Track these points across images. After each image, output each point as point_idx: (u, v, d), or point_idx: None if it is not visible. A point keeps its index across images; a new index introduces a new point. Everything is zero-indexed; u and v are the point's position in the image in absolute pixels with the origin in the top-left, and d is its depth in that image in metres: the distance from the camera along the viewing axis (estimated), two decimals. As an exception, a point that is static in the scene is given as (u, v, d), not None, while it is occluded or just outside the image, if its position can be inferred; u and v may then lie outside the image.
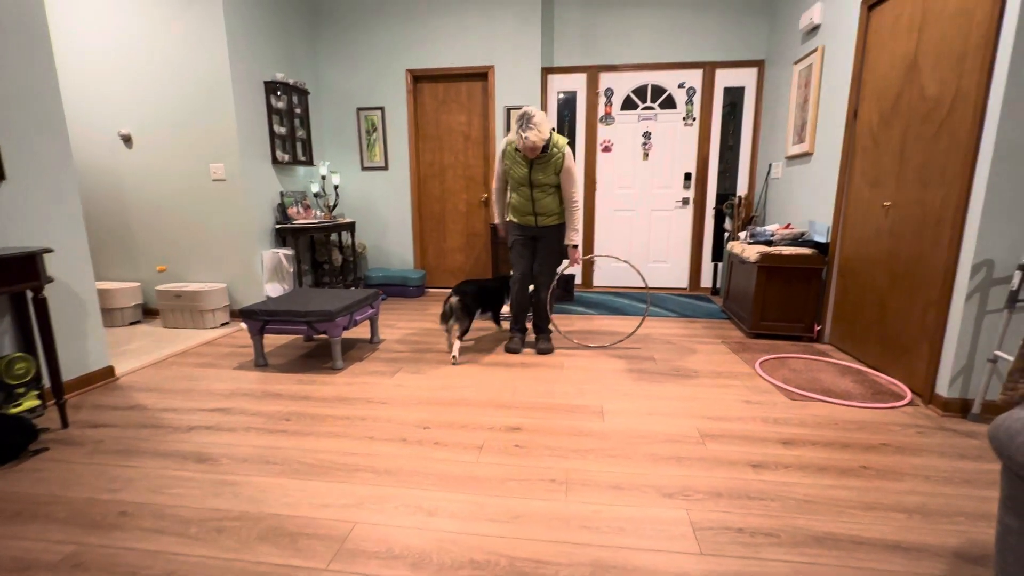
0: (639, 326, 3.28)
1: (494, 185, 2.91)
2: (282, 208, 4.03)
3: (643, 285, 4.92)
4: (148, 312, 3.97)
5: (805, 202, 3.51)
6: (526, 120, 2.59)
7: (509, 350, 3.05)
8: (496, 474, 1.75)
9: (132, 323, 3.79)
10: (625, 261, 3.14)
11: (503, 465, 1.80)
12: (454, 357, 2.81)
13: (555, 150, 2.74)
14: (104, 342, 2.63)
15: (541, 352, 3.00)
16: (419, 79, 4.64)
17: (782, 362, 2.83)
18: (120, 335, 3.49)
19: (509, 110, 4.50)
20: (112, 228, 3.87)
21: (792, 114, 3.71)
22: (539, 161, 2.75)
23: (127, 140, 3.68)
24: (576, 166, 2.82)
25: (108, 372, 2.65)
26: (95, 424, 2.15)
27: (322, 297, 2.99)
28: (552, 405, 2.29)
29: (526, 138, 2.59)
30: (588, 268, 4.94)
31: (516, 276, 2.99)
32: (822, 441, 1.94)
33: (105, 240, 3.90)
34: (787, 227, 3.46)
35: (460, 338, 2.87)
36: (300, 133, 4.20)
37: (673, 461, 1.81)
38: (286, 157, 4.04)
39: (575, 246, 2.88)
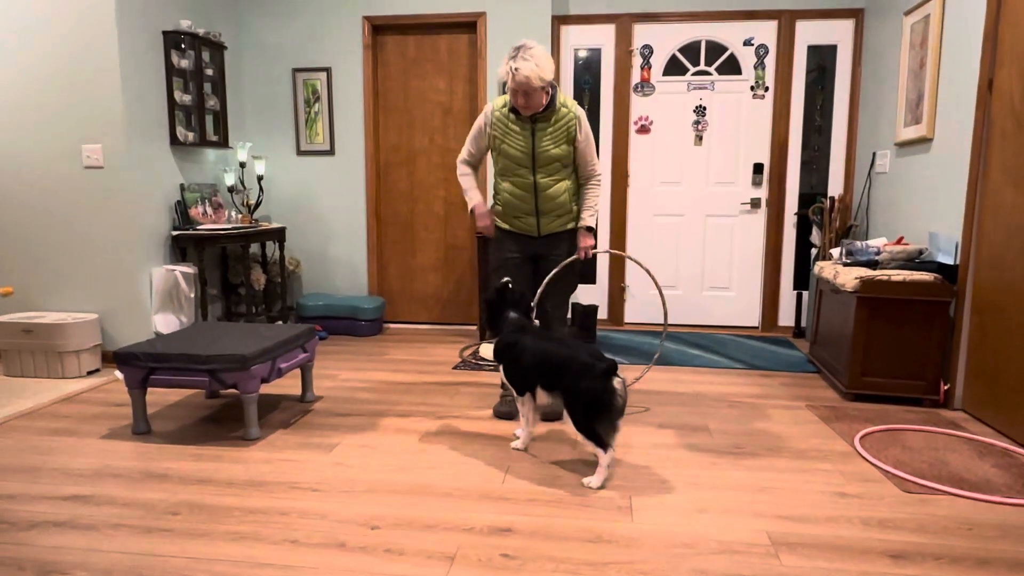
0: (646, 371, 3.23)
1: (461, 158, 2.97)
2: (182, 207, 4.08)
3: (692, 323, 4.93)
4: (-15, 353, 3.98)
5: (923, 206, 3.54)
6: (521, 50, 2.60)
7: (500, 415, 3.05)
8: (473, 598, 1.73)
9: (-39, 369, 3.79)
10: (635, 261, 3.11)
11: (484, 585, 1.77)
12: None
13: (565, 110, 2.78)
14: (-83, 397, 2.62)
15: (546, 418, 2.99)
16: (380, 29, 4.75)
17: (893, 437, 2.81)
18: (-58, 386, 3.49)
19: (506, 74, 4.59)
20: (-60, 233, 3.91)
21: (903, 85, 3.78)
22: (543, 123, 2.77)
23: (-33, 110, 3.76)
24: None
25: (-80, 440, 2.63)
26: None
27: (234, 335, 3.00)
28: (558, 497, 2.27)
29: (517, 70, 2.56)
30: (617, 300, 4.96)
31: None
32: (949, 554, 1.92)
33: (-71, 250, 3.94)
34: (898, 242, 3.48)
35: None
36: (212, 103, 4.29)
37: (732, 581, 1.79)
38: (190, 136, 4.12)
39: (589, 228, 2.90)
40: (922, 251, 3.32)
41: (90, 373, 3.72)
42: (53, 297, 3.87)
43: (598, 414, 2.27)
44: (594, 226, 2.93)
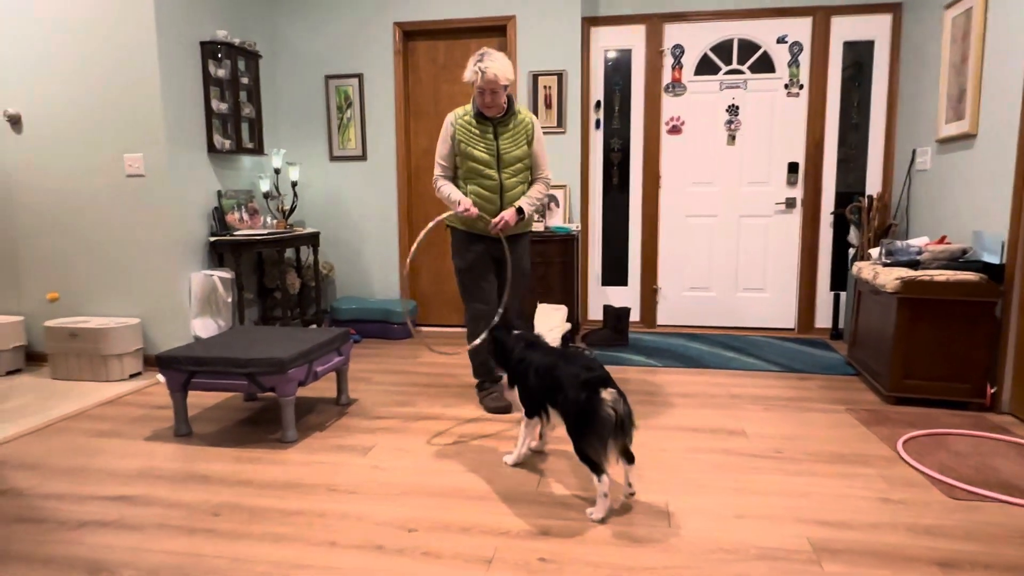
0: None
1: (437, 174, 3.11)
2: (219, 214, 4.16)
3: (727, 325, 4.87)
4: (33, 357, 4.10)
5: (967, 204, 3.47)
6: (485, 55, 2.90)
7: (494, 409, 3.18)
8: (511, 602, 1.73)
9: (11, 372, 3.92)
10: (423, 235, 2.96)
11: (522, 588, 1.78)
12: (632, 492, 2.26)
13: (521, 115, 3.10)
14: (-29, 399, 2.72)
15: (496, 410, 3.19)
16: (411, 36, 4.79)
17: (938, 441, 2.75)
18: (-7, 389, 3.61)
19: (536, 76, 4.61)
20: (-10, 241, 4.05)
21: (944, 80, 3.70)
22: (503, 127, 3.04)
23: (15, 121, 3.89)
24: None
25: (-26, 442, 2.73)
26: (-47, 515, 2.21)
27: (271, 339, 3.05)
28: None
29: (485, 69, 2.83)
30: (650, 301, 4.93)
31: (477, 310, 3.13)
32: (1000, 563, 1.87)
33: (-20, 257, 4.08)
34: (941, 241, 3.41)
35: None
36: (247, 111, 4.37)
37: (773, 588, 1.76)
38: (227, 144, 4.20)
39: (520, 210, 3.01)
40: (966, 250, 3.23)
41: (132, 376, 3.82)
42: (97, 302, 3.98)
43: (584, 430, 2.08)
44: (525, 212, 3.04)
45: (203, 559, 1.93)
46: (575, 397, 2.10)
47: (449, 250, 3.23)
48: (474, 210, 2.94)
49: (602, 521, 2.11)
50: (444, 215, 3.01)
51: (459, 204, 2.96)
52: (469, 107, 3.06)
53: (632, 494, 2.24)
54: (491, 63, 2.85)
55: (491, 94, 2.90)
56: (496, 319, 2.94)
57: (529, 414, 2.49)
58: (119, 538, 2.05)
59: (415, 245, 3.05)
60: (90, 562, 1.92)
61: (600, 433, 2.05)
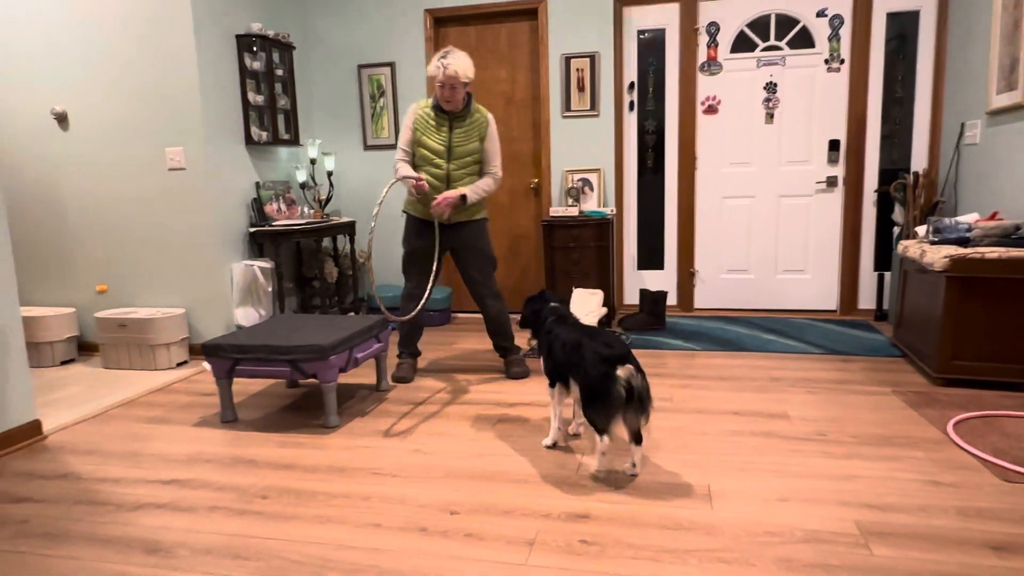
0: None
1: (397, 158, 3.34)
2: (258, 204, 4.24)
3: (766, 307, 4.80)
4: (85, 347, 4.25)
5: (1020, 178, 3.36)
6: (449, 53, 3.12)
7: (397, 379, 3.48)
8: (554, 583, 1.74)
9: (64, 362, 4.07)
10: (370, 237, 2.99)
11: (563, 570, 1.79)
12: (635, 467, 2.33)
13: (478, 114, 3.32)
14: (30, 389, 2.83)
15: (515, 377, 3.48)
16: (442, 22, 4.79)
17: (989, 423, 2.68)
18: (48, 378, 3.75)
19: (568, 59, 4.57)
20: (41, 235, 4.20)
21: (995, 49, 3.57)
22: (459, 121, 3.26)
23: (61, 119, 4.01)
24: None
25: (34, 428, 2.85)
26: (17, 498, 2.31)
27: (311, 327, 3.11)
28: (634, 483, 2.26)
29: (447, 65, 3.05)
30: (687, 285, 4.88)
31: (409, 290, 3.46)
32: (1057, 547, 1.82)
33: (31, 251, 4.23)
34: (992, 217, 3.31)
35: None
36: (283, 103, 4.43)
37: (820, 572, 1.74)
38: (264, 136, 4.26)
39: (463, 196, 3.23)
40: (1019, 226, 3.13)
41: (179, 365, 3.94)
42: (143, 293, 4.10)
43: (594, 402, 2.19)
44: (468, 199, 3.25)
45: (254, 540, 1.99)
46: (592, 373, 2.20)
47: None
48: (424, 184, 3.19)
49: (595, 473, 2.26)
50: (395, 180, 3.15)
51: (413, 180, 3.18)
52: (431, 99, 3.29)
53: (635, 475, 2.31)
54: (453, 60, 3.08)
55: (450, 89, 3.12)
56: (423, 301, 3.31)
57: (552, 383, 2.55)
58: (173, 519, 2.12)
59: (373, 219, 3.06)
60: (147, 542, 2.00)
61: (607, 409, 2.18)
